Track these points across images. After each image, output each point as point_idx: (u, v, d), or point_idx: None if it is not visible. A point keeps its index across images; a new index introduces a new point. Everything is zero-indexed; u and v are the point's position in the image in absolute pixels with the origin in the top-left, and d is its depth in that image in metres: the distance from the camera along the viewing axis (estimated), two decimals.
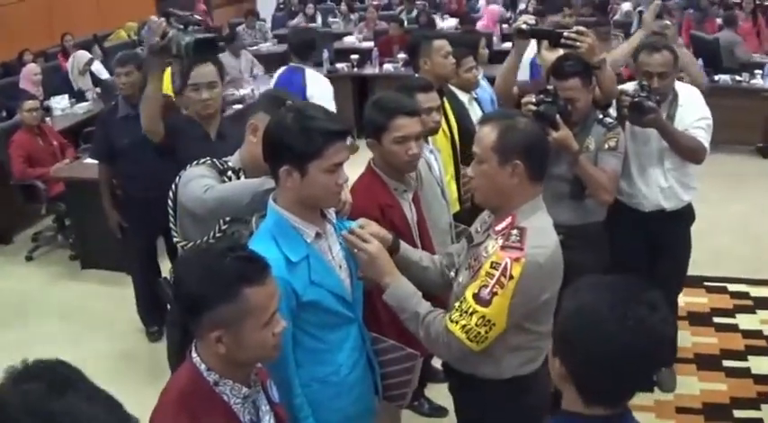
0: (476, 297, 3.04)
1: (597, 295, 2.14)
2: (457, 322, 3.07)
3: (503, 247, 3.05)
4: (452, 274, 3.51)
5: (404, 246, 3.54)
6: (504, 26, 14.52)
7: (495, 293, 3.00)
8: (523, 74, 5.69)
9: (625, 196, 5.10)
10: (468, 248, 3.40)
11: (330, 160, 2.99)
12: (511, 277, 2.99)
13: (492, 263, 3.04)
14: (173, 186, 3.86)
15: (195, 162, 3.84)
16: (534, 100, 4.49)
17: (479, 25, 14.62)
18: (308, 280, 3.07)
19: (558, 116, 4.41)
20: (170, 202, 3.89)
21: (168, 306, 4.25)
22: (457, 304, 3.12)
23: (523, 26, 4.89)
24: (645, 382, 2.18)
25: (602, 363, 2.07)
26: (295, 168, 2.98)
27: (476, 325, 3.04)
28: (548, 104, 4.44)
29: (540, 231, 3.13)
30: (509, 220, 3.14)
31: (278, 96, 3.86)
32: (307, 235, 3.10)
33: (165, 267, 6.24)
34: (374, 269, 3.21)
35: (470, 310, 3.04)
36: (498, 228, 3.16)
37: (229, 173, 3.78)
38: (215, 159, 3.83)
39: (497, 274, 3.01)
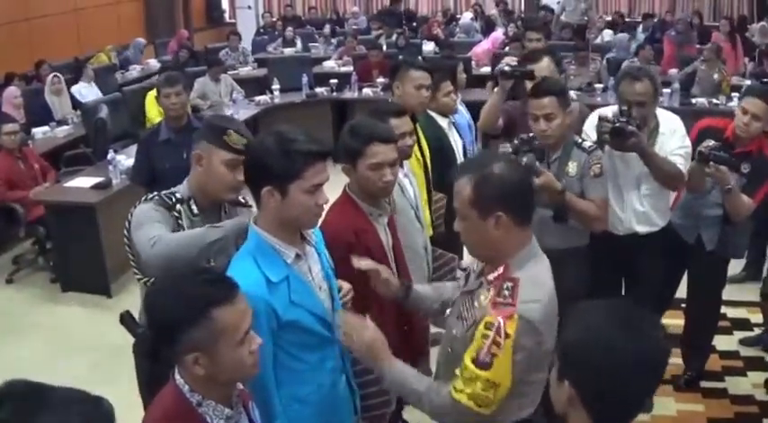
0: (475, 362, 2.93)
1: (603, 314, 2.20)
2: (462, 391, 2.97)
3: (494, 305, 2.95)
4: (447, 311, 3.47)
5: (414, 291, 3.55)
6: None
7: (495, 355, 2.89)
8: None
9: None
10: (461, 294, 3.29)
11: (310, 181, 3.06)
12: (507, 336, 2.88)
13: (486, 323, 2.93)
14: (126, 223, 3.88)
15: (144, 197, 3.85)
16: (511, 149, 4.58)
17: (485, 48, 14.78)
18: (288, 300, 3.11)
19: (537, 163, 4.49)
20: (125, 238, 3.90)
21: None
22: (458, 371, 3.02)
23: (506, 68, 5.15)
24: (649, 397, 2.21)
25: (613, 377, 2.10)
26: (276, 189, 3.04)
27: (482, 390, 2.93)
28: (526, 153, 4.54)
29: (534, 281, 3.02)
30: (501, 269, 3.04)
31: (218, 125, 3.88)
32: (287, 256, 3.15)
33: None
34: (367, 356, 3.17)
35: (473, 376, 2.94)
36: (491, 277, 3.07)
37: (178, 207, 3.79)
38: (163, 194, 3.83)
39: (492, 334, 2.90)
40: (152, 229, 3.67)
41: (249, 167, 3.16)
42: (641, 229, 5.18)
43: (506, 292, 2.96)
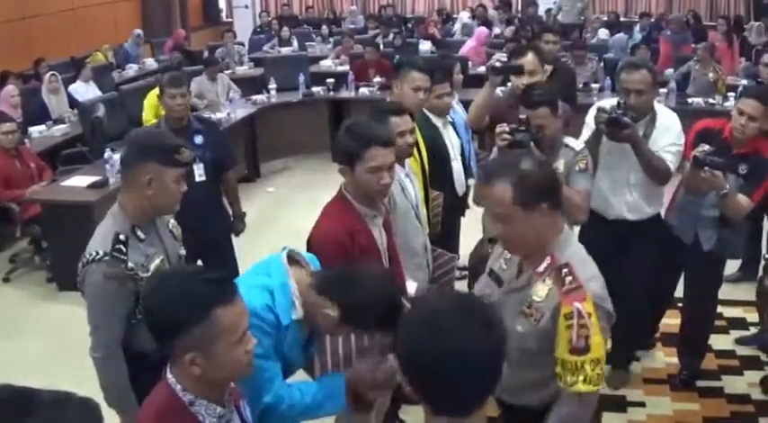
0: (573, 352, 3.08)
1: (421, 310, 2.26)
2: (576, 382, 3.10)
3: (565, 295, 3.10)
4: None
5: None
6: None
7: (587, 336, 3.06)
8: None
9: (593, 201, 5.22)
10: (507, 292, 3.39)
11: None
12: (589, 315, 3.06)
13: (565, 315, 3.08)
14: (78, 269, 3.86)
15: (95, 255, 3.73)
16: (508, 129, 4.62)
17: (469, 46, 14.74)
18: (283, 349, 3.16)
19: (532, 144, 4.53)
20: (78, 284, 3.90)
21: None
22: (558, 370, 3.14)
23: (496, 64, 5.45)
24: (476, 390, 2.20)
25: (425, 370, 2.14)
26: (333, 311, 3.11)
27: (591, 370, 3.09)
28: (522, 133, 4.57)
29: (583, 260, 3.25)
30: (548, 260, 3.20)
31: (167, 144, 3.83)
32: (296, 312, 3.17)
33: None
34: None
35: (578, 365, 3.09)
36: (540, 269, 3.22)
37: (130, 264, 3.70)
38: (112, 249, 3.69)
39: (575, 321, 3.06)
40: (106, 331, 3.77)
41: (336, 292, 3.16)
42: (630, 216, 5.40)
43: (568, 279, 3.12)
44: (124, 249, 3.70)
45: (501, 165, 3.31)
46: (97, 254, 3.71)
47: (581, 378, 3.09)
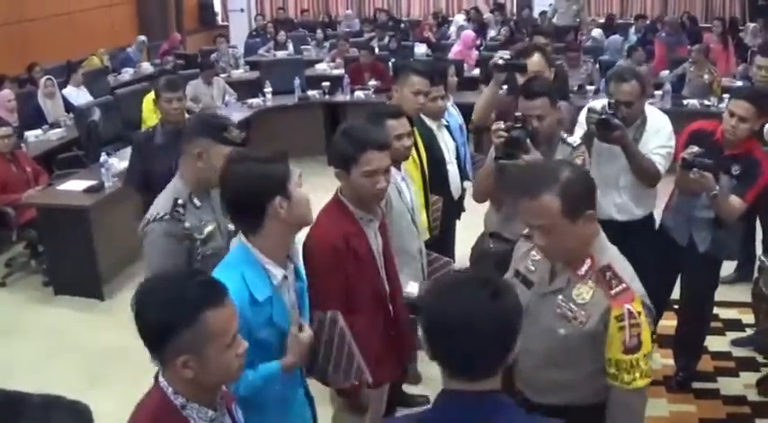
0: (627, 351, 3.13)
1: (439, 284, 2.47)
2: (635, 379, 3.16)
3: (614, 298, 3.14)
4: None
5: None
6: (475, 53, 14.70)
7: (639, 334, 3.12)
8: None
9: None
10: (540, 295, 3.38)
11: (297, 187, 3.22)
12: (639, 314, 3.12)
13: (617, 317, 3.12)
14: (139, 229, 4.08)
15: (157, 215, 3.99)
16: (504, 126, 4.62)
17: (455, 50, 14.72)
18: (269, 320, 3.15)
19: (528, 140, 4.54)
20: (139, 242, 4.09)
21: None
22: (613, 370, 3.18)
23: (500, 61, 5.43)
24: (483, 355, 2.31)
25: (433, 336, 2.32)
26: (285, 198, 3.13)
27: (645, 365, 3.17)
28: (518, 130, 4.58)
29: (621, 261, 3.28)
30: (589, 262, 3.23)
31: (217, 122, 4.11)
32: (274, 277, 3.19)
33: None
34: None
35: (633, 363, 3.14)
36: (581, 272, 3.24)
37: (186, 224, 3.99)
38: (172, 210, 3.97)
39: (626, 323, 3.11)
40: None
41: (251, 187, 3.17)
42: (620, 217, 5.40)
43: (614, 282, 3.17)
44: (182, 211, 4.00)
45: (542, 176, 3.25)
46: (158, 214, 4.02)
47: (637, 374, 3.15)
